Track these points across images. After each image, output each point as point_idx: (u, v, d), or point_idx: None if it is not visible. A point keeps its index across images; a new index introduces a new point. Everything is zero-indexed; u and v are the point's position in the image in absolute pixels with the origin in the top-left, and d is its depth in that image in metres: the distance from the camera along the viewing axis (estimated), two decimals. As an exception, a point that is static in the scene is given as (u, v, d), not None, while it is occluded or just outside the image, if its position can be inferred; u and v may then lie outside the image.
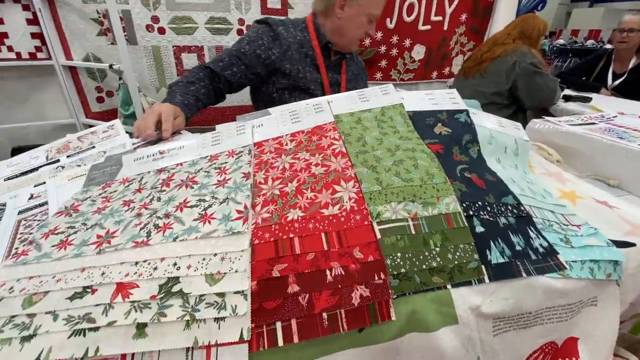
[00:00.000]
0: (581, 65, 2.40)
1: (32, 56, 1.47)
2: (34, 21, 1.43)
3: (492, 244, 0.46)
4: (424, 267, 0.42)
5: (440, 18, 2.00)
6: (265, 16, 1.09)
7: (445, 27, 2.04)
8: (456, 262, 0.43)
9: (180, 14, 1.56)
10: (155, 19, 1.53)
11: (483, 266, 0.43)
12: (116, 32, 1.29)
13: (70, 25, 1.47)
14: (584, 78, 2.32)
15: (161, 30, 1.56)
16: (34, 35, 1.45)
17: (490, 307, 0.43)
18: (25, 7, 1.40)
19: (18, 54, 1.45)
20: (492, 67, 1.66)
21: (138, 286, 0.37)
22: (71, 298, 0.37)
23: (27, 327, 0.35)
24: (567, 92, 1.91)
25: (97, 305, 0.36)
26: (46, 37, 1.45)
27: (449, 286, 0.42)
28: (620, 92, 2.11)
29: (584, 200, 0.61)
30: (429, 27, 2.00)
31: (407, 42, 2.01)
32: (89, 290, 0.37)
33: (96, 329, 0.34)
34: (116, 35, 1.30)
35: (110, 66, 1.39)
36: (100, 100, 1.64)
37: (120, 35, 1.30)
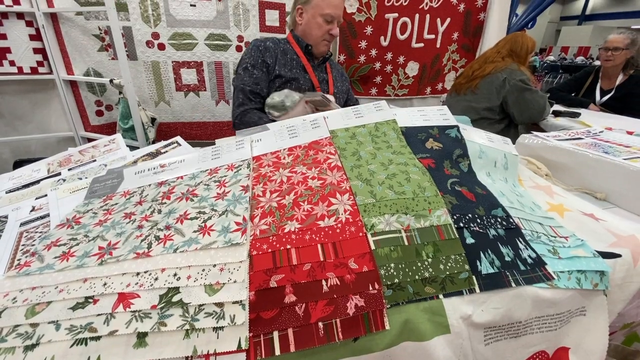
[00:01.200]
0: (570, 81, 2.47)
1: (34, 71, 1.50)
2: (36, 37, 1.46)
3: (482, 255, 0.47)
4: (417, 277, 0.43)
5: (433, 36, 2.07)
6: (255, 39, 1.27)
7: (438, 45, 2.11)
8: (447, 273, 0.44)
9: (180, 31, 1.60)
10: (156, 35, 1.57)
11: (474, 276, 0.45)
12: (117, 47, 1.33)
13: (72, 41, 1.50)
14: (572, 94, 2.39)
15: (161, 46, 1.60)
16: (36, 51, 1.48)
17: (481, 317, 0.44)
18: (29, 23, 1.44)
19: (20, 69, 1.47)
20: (483, 83, 1.72)
21: (139, 296, 0.38)
22: (73, 308, 0.38)
23: (30, 336, 0.36)
24: (557, 107, 1.97)
25: (98, 315, 0.37)
26: (48, 53, 1.48)
27: (440, 296, 0.43)
28: (608, 107, 2.17)
29: (571, 213, 0.63)
30: (422, 44, 2.07)
31: (401, 59, 2.07)
32: (90, 300, 0.38)
33: (98, 338, 0.35)
34: (117, 50, 1.33)
35: (111, 81, 1.42)
36: (99, 113, 1.66)
37: (121, 50, 1.33)
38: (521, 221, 0.55)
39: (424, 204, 0.50)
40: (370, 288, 0.41)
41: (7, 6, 1.37)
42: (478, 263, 0.46)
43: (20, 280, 0.41)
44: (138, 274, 0.40)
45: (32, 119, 1.59)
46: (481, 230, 0.50)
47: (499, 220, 0.52)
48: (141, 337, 0.35)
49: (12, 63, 1.46)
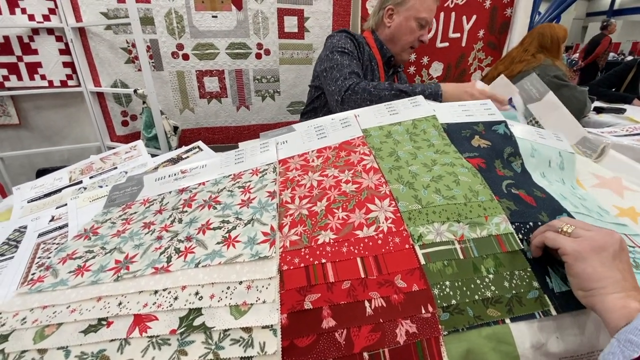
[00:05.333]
0: (610, 76, 2.31)
1: (64, 84, 1.54)
2: (66, 51, 1.50)
3: (550, 269, 0.40)
4: (477, 297, 0.36)
5: (458, 35, 1.98)
6: (341, 29, 1.14)
7: (464, 44, 2.02)
8: (514, 292, 0.37)
9: (203, 41, 1.62)
10: (180, 46, 1.60)
11: (545, 295, 0.38)
12: (141, 59, 1.34)
13: (100, 55, 1.54)
14: (613, 89, 2.22)
15: (185, 57, 1.62)
16: (65, 64, 1.52)
17: (558, 345, 0.37)
18: (59, 39, 1.49)
19: (50, 82, 1.52)
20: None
21: (157, 318, 0.33)
22: (85, 332, 0.33)
23: (36, 364, 0.32)
24: (598, 104, 1.83)
25: (112, 340, 0.32)
26: (77, 66, 1.52)
27: (507, 320, 0.36)
28: (655, 102, 2.00)
29: (646, 218, 0.54)
30: (446, 44, 1.99)
31: (425, 60, 2.00)
32: (104, 322, 0.34)
33: (110, 368, 0.31)
34: (141, 62, 1.34)
35: (135, 91, 1.43)
36: (124, 123, 1.69)
37: (145, 62, 1.35)
38: (592, 229, 0.46)
39: (478, 209, 0.43)
40: (423, 311, 0.34)
41: (38, 22, 1.42)
42: (548, 279, 0.39)
43: (32, 298, 0.38)
44: (156, 292, 0.36)
45: (63, 130, 1.64)
46: (547, 241, 0.42)
47: (567, 228, 0.44)
48: (158, 368, 0.30)
49: (43, 77, 1.51)
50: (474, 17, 1.96)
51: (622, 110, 1.67)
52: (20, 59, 1.45)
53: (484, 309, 0.36)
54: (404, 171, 0.48)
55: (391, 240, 0.39)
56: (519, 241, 0.40)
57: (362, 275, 0.37)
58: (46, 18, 1.44)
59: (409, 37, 1.09)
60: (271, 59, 1.76)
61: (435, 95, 0.83)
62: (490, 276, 0.38)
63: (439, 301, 0.35)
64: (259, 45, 1.71)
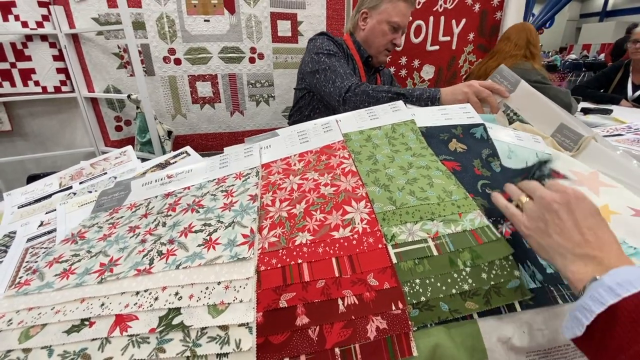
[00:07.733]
0: (598, 77, 2.34)
1: (57, 90, 1.55)
2: (59, 57, 1.52)
3: (520, 267, 0.42)
4: (454, 291, 0.38)
5: (448, 38, 2.01)
6: (322, 32, 1.18)
7: (454, 47, 2.05)
8: (492, 283, 0.38)
9: (195, 45, 1.63)
10: (172, 51, 1.61)
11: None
12: (135, 64, 1.35)
13: (93, 60, 1.55)
14: (601, 90, 2.25)
15: (177, 61, 1.63)
16: (59, 70, 1.53)
17: (523, 340, 0.38)
18: (52, 45, 1.50)
19: (44, 88, 1.53)
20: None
21: (137, 318, 0.35)
22: (68, 332, 0.35)
23: (20, 363, 0.33)
24: (585, 104, 1.86)
25: (93, 339, 0.34)
26: (70, 72, 1.53)
27: (475, 316, 0.38)
28: (642, 103, 2.03)
29: (619, 216, 0.55)
30: (437, 47, 2.01)
31: (416, 63, 2.03)
32: (86, 323, 0.35)
33: (91, 366, 0.32)
34: (135, 67, 1.36)
35: (129, 96, 1.45)
36: (118, 129, 1.70)
37: (138, 67, 1.36)
38: (562, 228, 0.48)
39: (451, 208, 0.44)
40: (393, 308, 0.36)
41: (31, 29, 1.44)
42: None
43: (18, 300, 0.39)
44: (138, 293, 0.37)
45: (56, 136, 1.65)
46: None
47: (537, 227, 0.46)
48: (137, 365, 0.32)
49: (36, 83, 1.51)
50: (464, 20, 1.99)
51: (609, 111, 1.70)
52: (13, 65, 1.46)
53: (462, 302, 0.37)
54: (381, 174, 0.50)
55: (365, 241, 0.41)
56: (495, 231, 0.42)
57: (337, 275, 0.38)
58: (39, 25, 1.46)
59: (382, 40, 1.13)
60: (265, 63, 1.77)
61: (432, 98, 0.82)
62: (467, 269, 0.39)
63: (409, 298, 0.37)
64: (253, 50, 1.72)
